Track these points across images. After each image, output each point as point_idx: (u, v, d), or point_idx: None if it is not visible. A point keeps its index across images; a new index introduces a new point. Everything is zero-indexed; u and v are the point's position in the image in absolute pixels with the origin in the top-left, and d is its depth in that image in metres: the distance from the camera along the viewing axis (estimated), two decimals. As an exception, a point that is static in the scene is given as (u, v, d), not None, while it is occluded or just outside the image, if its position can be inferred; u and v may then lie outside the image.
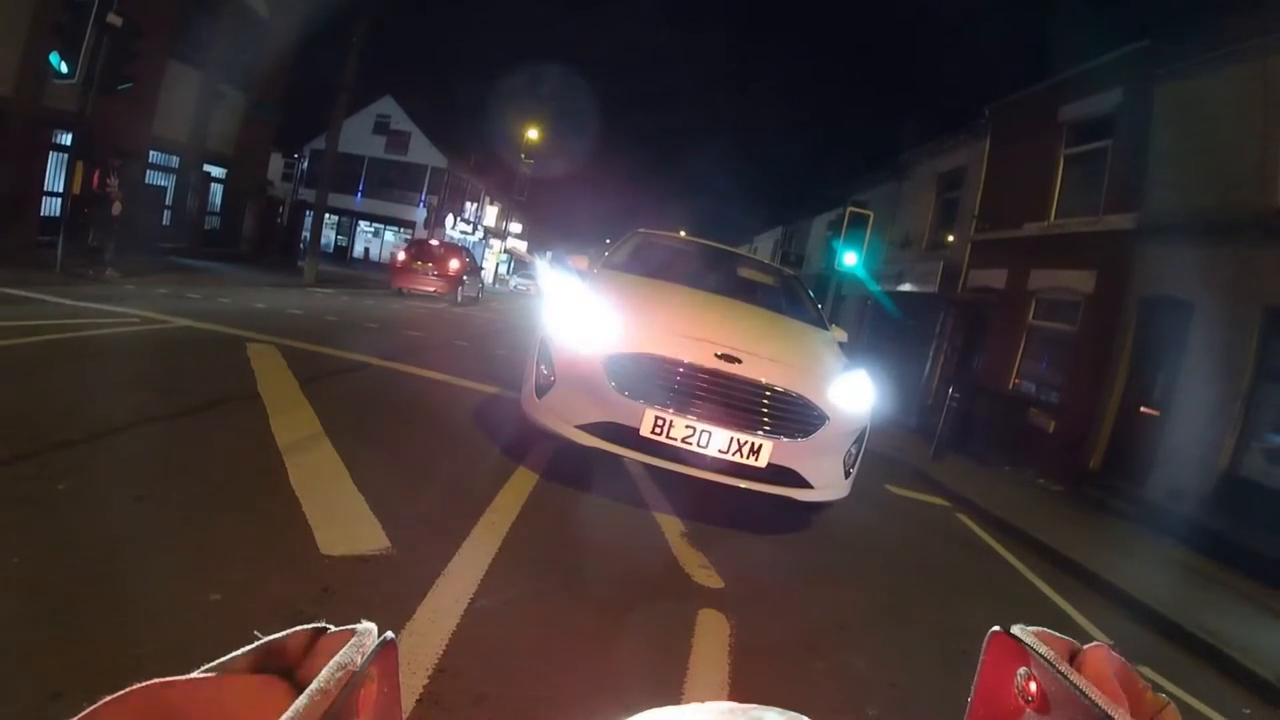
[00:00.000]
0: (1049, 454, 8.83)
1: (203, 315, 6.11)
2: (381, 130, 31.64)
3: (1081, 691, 0.27)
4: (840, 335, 4.41)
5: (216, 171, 15.30)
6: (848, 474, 3.40)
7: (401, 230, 32.12)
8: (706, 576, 2.74)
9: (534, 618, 2.13)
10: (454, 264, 14.78)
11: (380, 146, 31.65)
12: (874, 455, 6.51)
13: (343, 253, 31.16)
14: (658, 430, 2.99)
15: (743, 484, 3.05)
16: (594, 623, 2.18)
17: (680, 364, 3.04)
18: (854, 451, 3.42)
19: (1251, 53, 7.08)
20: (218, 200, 15.84)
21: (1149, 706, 0.30)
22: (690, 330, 3.23)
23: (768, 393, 3.06)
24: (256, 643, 0.25)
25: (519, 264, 42.47)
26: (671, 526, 3.24)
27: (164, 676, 0.21)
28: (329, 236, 29.83)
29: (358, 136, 29.26)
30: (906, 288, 14.71)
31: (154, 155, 13.10)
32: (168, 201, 13.90)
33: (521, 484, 3.29)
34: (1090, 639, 0.32)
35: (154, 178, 13.38)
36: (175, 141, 13.31)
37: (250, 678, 0.24)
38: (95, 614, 1.61)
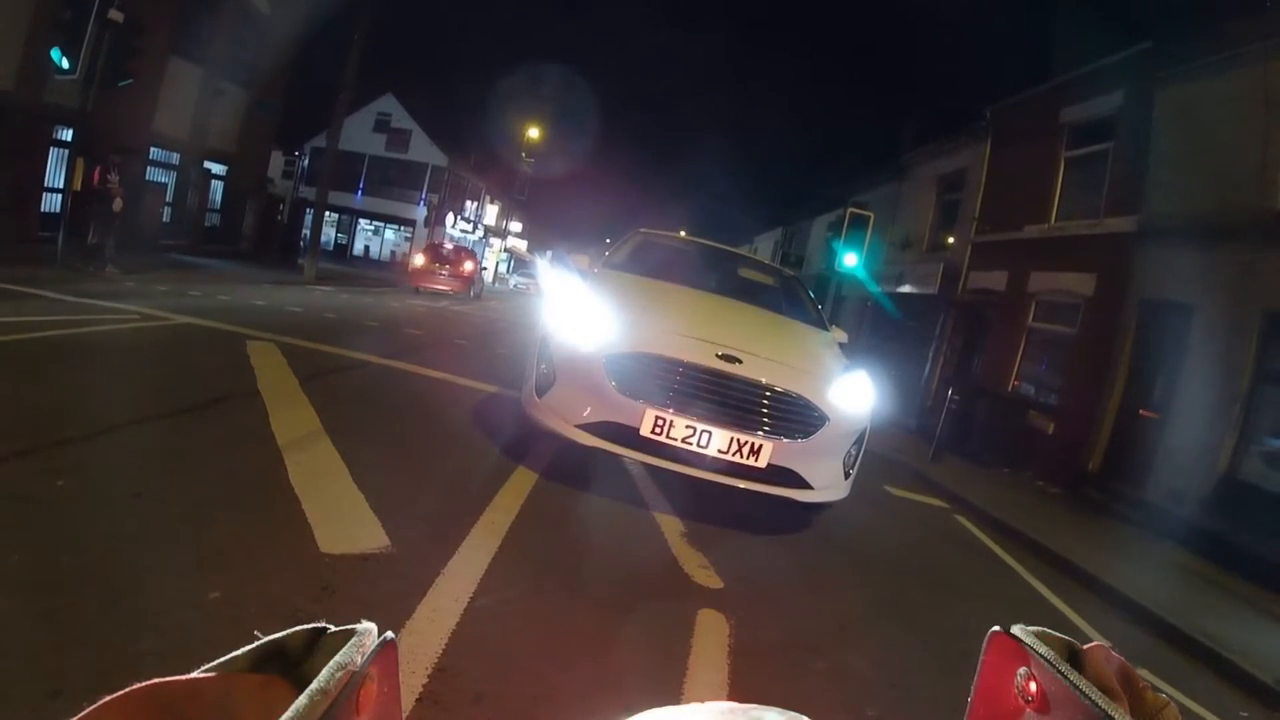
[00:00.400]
0: (1048, 456, 8.84)
1: (203, 312, 6.11)
2: (382, 128, 31.62)
3: (1082, 691, 0.27)
4: (840, 336, 4.41)
5: (217, 169, 15.30)
6: (847, 475, 3.40)
7: (402, 229, 32.12)
8: (706, 577, 2.74)
9: (533, 617, 2.13)
10: (468, 265, 16.73)
11: (381, 144, 31.63)
12: (873, 456, 6.51)
13: (343, 251, 31.15)
14: (658, 430, 2.99)
15: (742, 484, 3.05)
16: (593, 622, 2.18)
17: (680, 364, 3.03)
18: (854, 452, 3.42)
19: (1253, 56, 7.08)
20: (218, 197, 15.84)
21: (1149, 706, 0.30)
22: (690, 330, 3.23)
23: (768, 393, 3.06)
24: (256, 642, 0.25)
25: (519, 263, 42.50)
26: (671, 526, 3.24)
27: (163, 675, 0.21)
28: (329, 234, 29.83)
29: (358, 134, 29.25)
30: (906, 289, 14.72)
31: (154, 152, 13.10)
32: (168, 198, 13.90)
33: (521, 483, 3.29)
34: (1089, 641, 0.32)
35: (154, 174, 13.37)
36: (176, 138, 13.31)
37: (250, 677, 0.23)
38: (94, 612, 1.61)
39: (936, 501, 5.93)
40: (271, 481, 2.61)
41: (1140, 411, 8.04)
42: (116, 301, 5.92)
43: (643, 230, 5.27)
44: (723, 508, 3.59)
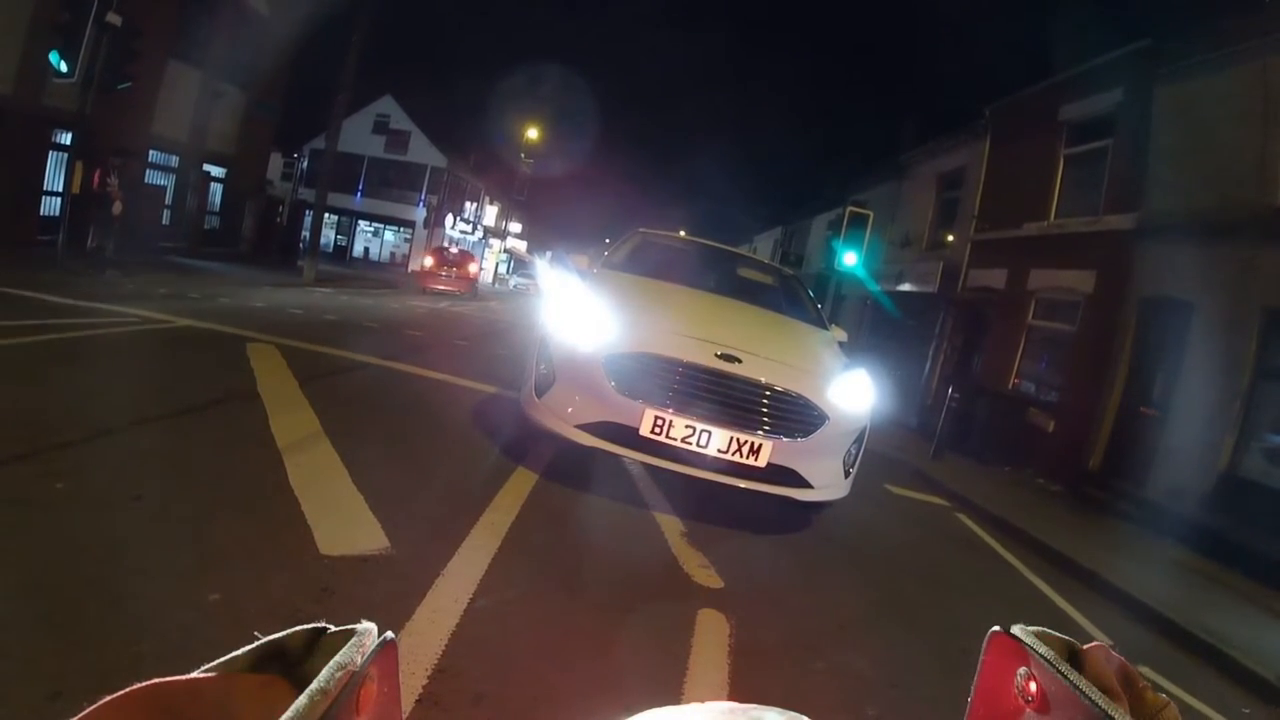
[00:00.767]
0: (1048, 454, 8.83)
1: (202, 315, 6.11)
2: (381, 130, 31.63)
3: (1081, 691, 0.27)
4: (840, 335, 4.41)
5: (216, 171, 15.30)
6: (847, 474, 3.40)
7: (401, 230, 32.13)
8: (706, 576, 2.74)
9: (533, 617, 2.13)
10: (472, 268, 18.67)
11: (380, 146, 31.64)
12: (874, 455, 6.51)
13: (342, 252, 31.15)
14: (657, 430, 2.99)
15: (742, 484, 3.05)
16: (593, 622, 2.18)
17: (680, 363, 3.03)
18: (854, 451, 3.42)
19: (1251, 53, 7.08)
20: (217, 200, 15.85)
21: (1149, 706, 0.30)
22: (690, 330, 3.23)
23: (767, 392, 3.06)
24: (256, 642, 0.25)
25: (519, 263, 42.51)
26: (671, 526, 3.23)
27: (163, 677, 0.21)
28: (329, 236, 29.83)
29: (357, 136, 29.25)
30: (906, 287, 14.72)
31: (154, 154, 13.10)
32: (168, 201, 13.91)
33: (521, 484, 3.29)
34: (1090, 638, 0.32)
35: (154, 177, 13.38)
36: (175, 141, 13.32)
37: (250, 677, 0.23)
38: (94, 614, 1.61)
39: (937, 500, 5.93)
40: (271, 483, 2.61)
41: (1141, 409, 8.03)
42: (116, 304, 5.92)
43: (642, 230, 5.27)
44: (723, 507, 3.59)
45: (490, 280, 38.80)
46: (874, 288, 15.36)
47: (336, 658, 0.24)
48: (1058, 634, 0.31)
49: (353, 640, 0.25)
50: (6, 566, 1.74)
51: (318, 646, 0.25)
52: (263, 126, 16.52)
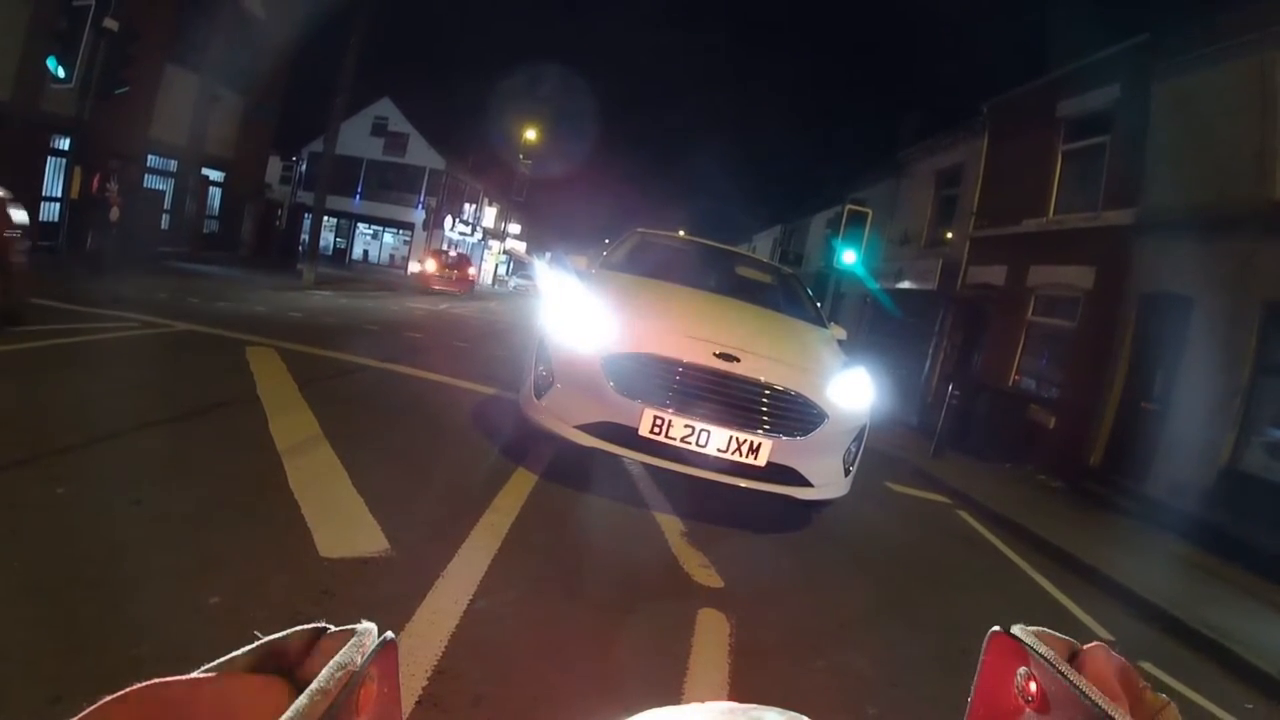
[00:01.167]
0: (1049, 450, 8.83)
1: (202, 318, 6.12)
2: (379, 132, 31.65)
3: (1081, 691, 0.27)
4: (839, 333, 4.41)
5: (215, 175, 15.32)
6: (847, 472, 3.40)
7: (400, 232, 32.15)
8: (707, 576, 2.74)
9: (533, 618, 2.13)
10: (471, 270, 20.65)
11: (378, 148, 31.65)
12: (874, 453, 6.50)
13: (342, 255, 31.16)
14: (656, 430, 2.99)
15: (742, 483, 3.05)
16: (593, 623, 2.18)
17: (678, 363, 3.03)
18: (853, 449, 3.42)
19: (1249, 47, 7.08)
20: (216, 203, 15.87)
21: (1149, 706, 0.30)
22: (688, 329, 3.23)
23: (766, 391, 3.06)
24: (257, 643, 0.25)
25: (518, 265, 42.55)
26: (671, 526, 3.23)
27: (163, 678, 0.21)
28: (328, 239, 29.87)
29: (356, 138, 29.26)
30: (906, 285, 14.71)
31: (152, 159, 13.12)
32: (166, 205, 13.92)
33: (521, 485, 3.29)
34: (1092, 635, 0.32)
35: (152, 182, 13.39)
36: (173, 145, 13.33)
37: (250, 677, 0.23)
38: (95, 618, 1.61)
39: (938, 497, 5.93)
40: (271, 486, 2.61)
41: (1141, 404, 8.03)
42: (116, 309, 5.92)
43: (640, 230, 5.27)
44: (723, 507, 3.59)
45: (490, 281, 38.84)
46: (873, 286, 15.35)
47: (336, 658, 0.24)
48: (1057, 634, 0.32)
49: (353, 640, 0.25)
50: (8, 570, 1.74)
51: (318, 647, 0.26)
52: (261, 130, 16.53)
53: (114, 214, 8.96)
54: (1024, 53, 11.97)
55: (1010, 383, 10.41)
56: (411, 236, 31.25)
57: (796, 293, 4.87)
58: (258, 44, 14.39)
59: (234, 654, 0.24)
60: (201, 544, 2.07)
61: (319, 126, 18.83)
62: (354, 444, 3.27)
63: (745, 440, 3.01)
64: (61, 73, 7.61)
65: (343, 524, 2.40)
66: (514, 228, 43.45)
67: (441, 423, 4.33)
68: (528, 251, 45.73)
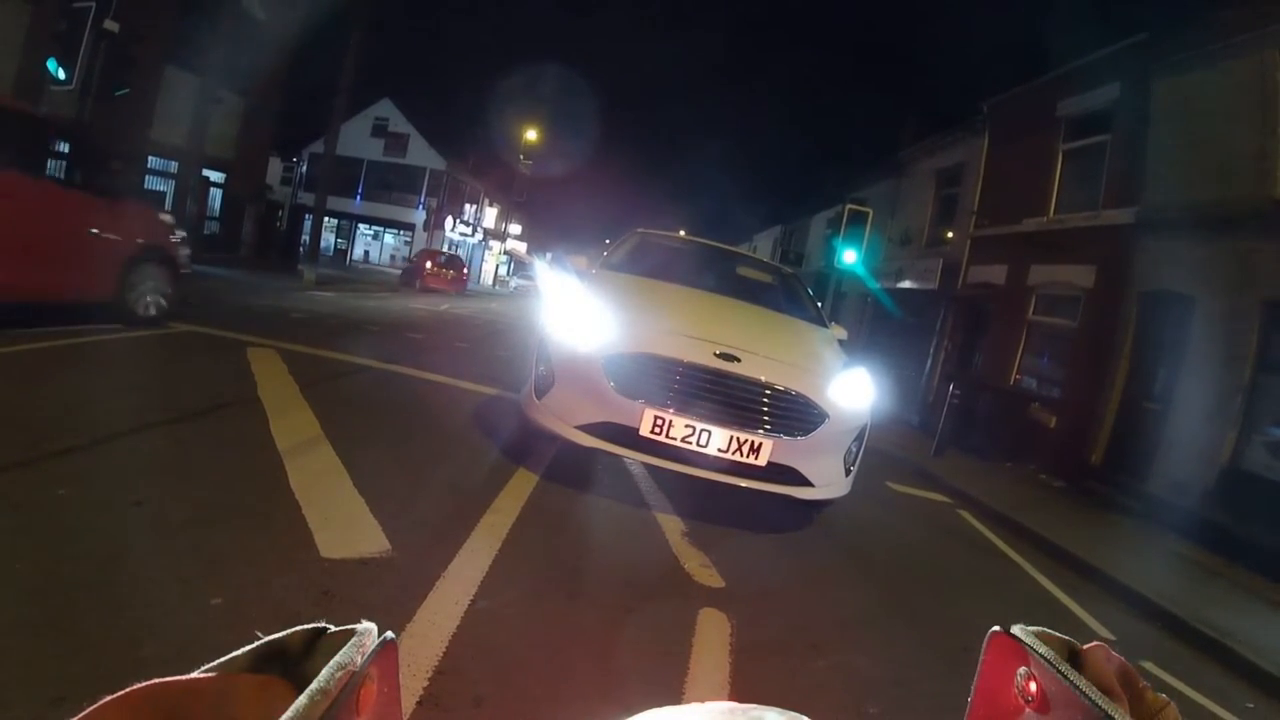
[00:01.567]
0: (1050, 449, 8.83)
1: (202, 319, 6.11)
2: (380, 133, 31.68)
3: (1081, 691, 0.27)
4: (840, 333, 4.41)
5: (215, 176, 15.33)
6: (848, 472, 3.40)
7: (401, 233, 32.17)
8: (707, 576, 2.74)
9: (534, 619, 2.13)
10: (465, 270, 22.62)
11: (379, 149, 31.69)
12: (875, 452, 6.50)
13: (342, 256, 31.17)
14: (657, 430, 2.99)
15: (743, 483, 3.05)
16: (594, 623, 2.18)
17: (679, 363, 3.03)
18: (854, 449, 3.42)
19: (1249, 46, 7.07)
20: (217, 204, 15.88)
21: (1149, 706, 0.30)
22: (689, 329, 3.23)
23: (767, 391, 3.06)
24: (257, 642, 0.25)
25: (519, 265, 42.59)
26: (672, 526, 3.24)
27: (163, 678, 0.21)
28: (329, 240, 29.89)
29: (356, 139, 29.30)
30: (906, 285, 14.71)
31: (152, 160, 13.14)
32: (167, 206, 13.93)
33: (521, 485, 3.29)
34: (1093, 634, 0.32)
35: (153, 183, 13.41)
36: (174, 146, 13.35)
37: (250, 677, 0.23)
38: (96, 619, 1.62)
39: (939, 497, 5.93)
40: (272, 487, 2.62)
41: (1142, 404, 8.03)
42: (116, 310, 5.92)
43: (640, 230, 5.27)
44: (724, 507, 3.59)
45: (491, 282, 38.87)
46: (874, 285, 15.34)
47: (336, 658, 0.24)
48: (1057, 634, 0.32)
49: (353, 640, 0.25)
50: (9, 572, 1.74)
51: (318, 647, 0.26)
52: (261, 131, 16.55)
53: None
54: (1024, 52, 11.98)
55: (1011, 382, 10.41)
56: (412, 237, 31.27)
57: (797, 292, 4.87)
58: (258, 45, 14.40)
59: (234, 654, 0.24)
60: (203, 545, 2.07)
61: (319, 127, 18.91)
62: (355, 445, 3.27)
63: (746, 440, 3.01)
64: (62, 74, 7.62)
65: (344, 525, 2.40)
66: (515, 228, 43.47)
67: (442, 423, 4.33)
68: (528, 252, 45.75)
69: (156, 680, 0.21)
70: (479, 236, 37.84)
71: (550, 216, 56.65)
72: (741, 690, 1.96)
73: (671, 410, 2.99)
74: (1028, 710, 0.31)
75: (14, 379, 3.49)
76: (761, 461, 3.04)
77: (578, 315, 3.28)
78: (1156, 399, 7.81)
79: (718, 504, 3.58)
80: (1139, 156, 8.56)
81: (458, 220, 34.22)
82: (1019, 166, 11.24)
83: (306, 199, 22.57)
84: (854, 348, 5.31)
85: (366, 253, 33.03)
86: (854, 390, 3.32)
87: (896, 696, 2.21)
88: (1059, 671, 0.29)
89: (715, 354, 3.06)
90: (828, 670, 2.25)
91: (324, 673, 0.23)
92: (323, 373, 4.90)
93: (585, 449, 3.12)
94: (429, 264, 20.44)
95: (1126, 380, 8.36)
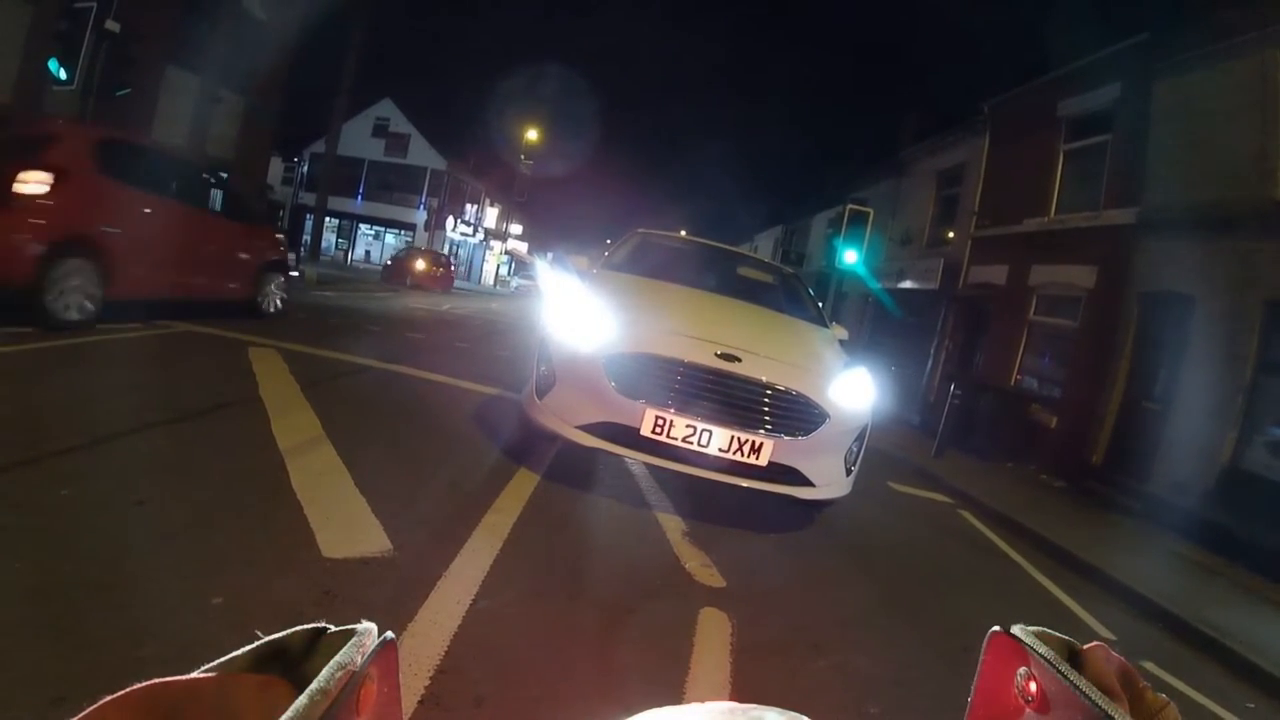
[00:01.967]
0: (1051, 450, 8.83)
1: (203, 319, 6.12)
2: (381, 133, 31.71)
3: (1081, 691, 0.27)
4: (841, 333, 4.41)
5: (216, 176, 15.31)
6: (849, 471, 3.40)
7: (402, 233, 32.17)
8: (708, 575, 2.74)
9: (535, 618, 2.13)
10: (451, 268, 23.80)
11: (379, 149, 31.71)
12: (876, 453, 6.50)
13: (344, 255, 31.18)
14: (658, 430, 2.99)
15: (744, 483, 3.05)
16: (595, 623, 2.18)
17: (680, 363, 3.04)
18: (855, 449, 3.42)
19: (1249, 46, 7.07)
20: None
21: (1149, 706, 0.30)
22: (689, 329, 3.23)
23: (768, 391, 3.06)
24: (257, 642, 0.25)
25: (519, 265, 42.63)
26: (673, 526, 3.24)
27: (164, 678, 0.21)
28: (329, 240, 29.88)
29: (357, 139, 29.31)
30: (907, 285, 14.71)
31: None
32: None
33: (522, 485, 3.30)
34: (1093, 633, 0.33)
35: None
36: (175, 146, 13.33)
37: (250, 677, 0.24)
38: (97, 618, 1.62)
39: (940, 497, 5.93)
40: (274, 487, 2.62)
41: (1143, 404, 8.03)
42: (117, 311, 5.93)
43: (641, 230, 5.27)
44: (725, 507, 3.59)
45: (491, 282, 38.87)
46: (875, 286, 15.35)
47: (336, 658, 0.24)
48: (1058, 634, 0.32)
49: (353, 640, 0.25)
50: (11, 571, 1.74)
51: (318, 646, 0.26)
52: (262, 131, 16.53)
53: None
54: (1025, 52, 11.98)
55: (1012, 382, 10.41)
56: (413, 237, 31.28)
57: (798, 292, 4.87)
58: (259, 45, 14.39)
59: (234, 654, 0.24)
60: (205, 544, 2.08)
61: (320, 127, 18.96)
62: (356, 444, 3.28)
63: (747, 440, 3.01)
64: (63, 74, 7.61)
65: (345, 524, 2.41)
66: (515, 228, 43.49)
67: (443, 423, 4.33)
68: (529, 252, 45.77)
69: (156, 680, 0.21)
70: (480, 236, 37.85)
71: (551, 216, 56.69)
72: (742, 689, 1.96)
73: (672, 410, 3.00)
74: (1028, 710, 0.31)
75: (16, 379, 3.50)
76: (762, 461, 3.04)
77: (579, 315, 3.28)
78: (1157, 399, 7.81)
79: (719, 504, 3.59)
80: (1140, 157, 8.56)
81: (459, 220, 34.24)
82: (1020, 167, 11.24)
83: (308, 199, 22.62)
84: (855, 348, 5.31)
85: (368, 253, 33.03)
86: (854, 390, 3.32)
87: (897, 696, 2.21)
88: (1059, 671, 0.29)
89: (716, 354, 3.06)
90: (828, 669, 2.25)
91: (324, 673, 0.23)
92: (324, 372, 4.90)
93: (586, 449, 3.12)
94: (419, 262, 21.70)
95: (1127, 380, 8.36)
